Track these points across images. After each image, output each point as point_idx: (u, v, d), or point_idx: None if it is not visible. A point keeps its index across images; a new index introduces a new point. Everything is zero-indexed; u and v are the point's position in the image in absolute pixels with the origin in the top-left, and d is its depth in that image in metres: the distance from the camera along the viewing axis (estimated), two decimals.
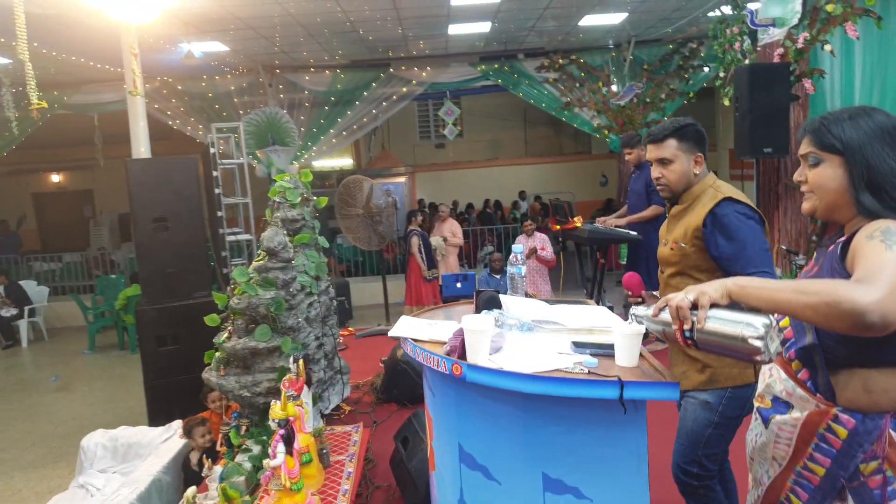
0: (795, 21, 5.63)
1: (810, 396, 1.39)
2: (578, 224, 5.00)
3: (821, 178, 1.43)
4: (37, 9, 5.81)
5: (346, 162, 15.16)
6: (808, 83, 5.75)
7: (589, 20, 8.22)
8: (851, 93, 7.66)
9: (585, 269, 6.03)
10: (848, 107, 1.48)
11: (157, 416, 4.66)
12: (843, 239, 1.38)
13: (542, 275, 6.49)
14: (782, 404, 1.47)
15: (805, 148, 1.48)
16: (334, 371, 4.47)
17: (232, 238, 7.41)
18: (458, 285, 6.29)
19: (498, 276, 6.60)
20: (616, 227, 5.01)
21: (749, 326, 1.27)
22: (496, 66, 9.71)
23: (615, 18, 8.25)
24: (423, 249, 7.25)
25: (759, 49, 6.35)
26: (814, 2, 5.55)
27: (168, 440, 4.15)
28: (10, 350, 8.87)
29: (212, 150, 7.41)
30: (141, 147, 6.38)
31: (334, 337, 4.51)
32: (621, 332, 1.70)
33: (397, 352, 4.62)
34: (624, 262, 6.79)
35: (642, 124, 9.53)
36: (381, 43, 8.96)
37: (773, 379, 1.49)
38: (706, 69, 9.49)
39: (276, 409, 2.93)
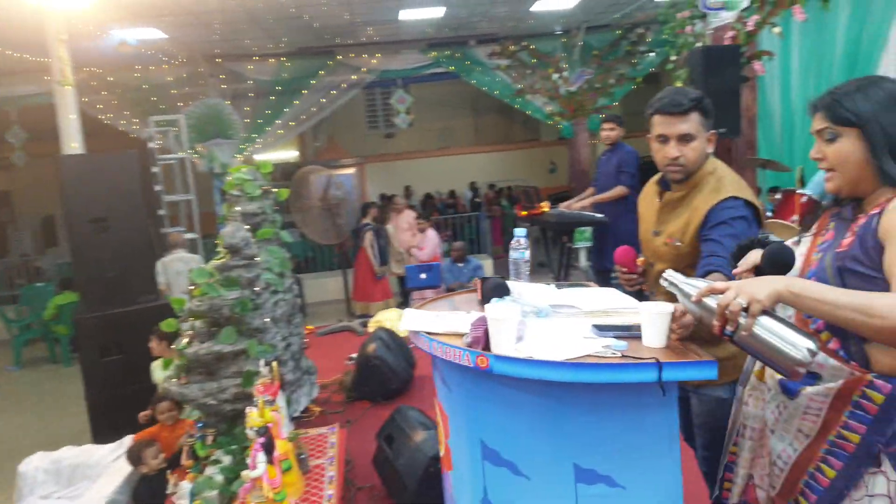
0: (746, 4, 5.69)
1: (844, 365, 1.37)
2: (545, 209, 4.92)
3: (841, 153, 1.42)
4: None
5: (290, 154, 14.75)
6: (758, 65, 5.83)
7: (541, 6, 8.16)
8: (789, 74, 7.89)
9: (552, 253, 5.98)
10: (854, 78, 1.45)
11: (104, 433, 4.30)
12: (875, 211, 1.38)
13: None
14: (809, 376, 1.43)
15: (819, 124, 1.46)
16: (302, 372, 4.25)
17: None
18: (423, 276, 6.14)
19: (461, 265, 6.48)
20: (581, 209, 4.96)
21: (794, 348, 1.27)
22: (448, 52, 9.56)
23: (567, 3, 8.22)
24: (375, 245, 7.02)
25: (710, 32, 6.40)
26: None
27: (119, 458, 3.82)
28: None
29: (150, 145, 7.00)
30: (72, 142, 5.95)
31: (300, 336, 4.29)
32: (651, 311, 1.59)
33: (368, 348, 4.45)
34: (578, 246, 6.78)
35: (592, 110, 9.58)
36: (327, 29, 8.67)
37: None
38: (653, 54, 9.60)
39: (254, 416, 2.73)
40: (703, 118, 1.93)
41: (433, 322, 1.79)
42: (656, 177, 2.13)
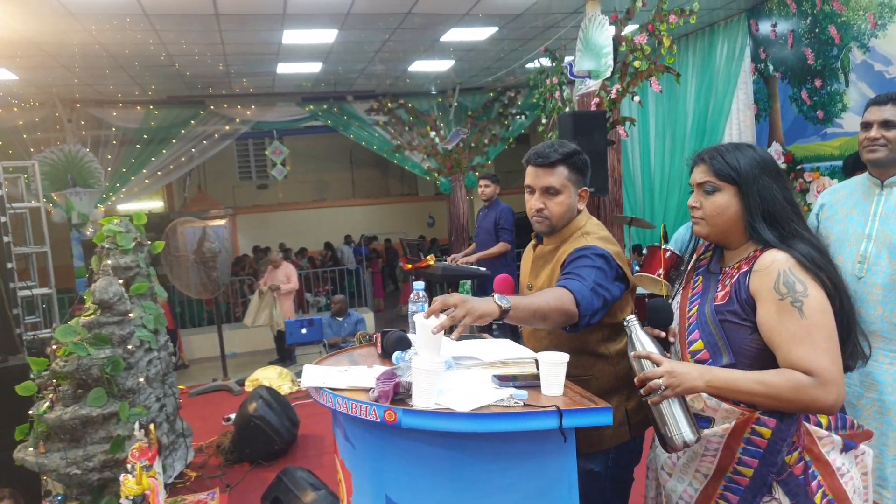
0: (608, 73, 6.25)
1: (734, 407, 1.50)
2: (431, 262, 5.03)
3: (718, 205, 1.56)
4: None
5: (155, 205, 14.00)
6: (621, 130, 6.37)
7: (418, 66, 8.47)
8: (647, 139, 8.70)
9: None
10: (729, 143, 1.62)
11: None
12: (745, 268, 1.53)
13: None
14: (703, 420, 1.56)
15: (702, 176, 1.60)
16: (176, 434, 3.98)
17: (26, 293, 6.40)
18: (304, 331, 5.99)
19: (341, 319, 6.40)
20: (466, 264, 5.12)
21: (680, 434, 1.49)
22: (325, 106, 9.62)
23: (442, 66, 8.59)
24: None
25: (577, 98, 6.94)
26: (623, 57, 6.20)
27: None
28: None
29: None
30: None
31: (175, 396, 4.03)
32: (548, 361, 1.68)
33: (248, 407, 4.24)
34: None
35: (468, 167, 9.96)
36: (200, 79, 8.46)
37: (690, 399, 1.57)
38: (523, 116, 10.20)
39: (129, 484, 2.52)
40: (571, 173, 1.93)
41: (336, 377, 1.77)
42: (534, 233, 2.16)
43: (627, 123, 6.37)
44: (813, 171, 6.68)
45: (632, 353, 1.56)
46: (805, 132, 6.68)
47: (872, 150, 2.19)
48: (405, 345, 1.95)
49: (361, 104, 9.77)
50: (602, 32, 6.23)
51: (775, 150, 7.05)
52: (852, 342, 1.50)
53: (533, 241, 2.15)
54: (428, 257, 5.05)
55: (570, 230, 1.96)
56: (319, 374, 1.79)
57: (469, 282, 6.54)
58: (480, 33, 7.33)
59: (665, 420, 1.50)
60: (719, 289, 1.58)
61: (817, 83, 6.46)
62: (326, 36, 6.91)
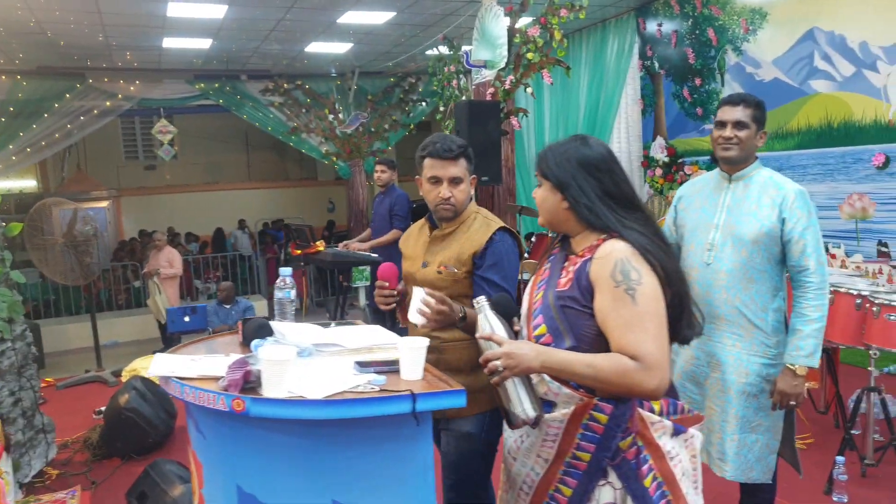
0: (503, 64, 6.33)
1: (574, 392, 1.55)
2: (321, 248, 4.93)
3: (539, 198, 1.68)
4: None
5: (27, 184, 12.97)
6: (514, 120, 6.49)
7: (315, 47, 8.26)
8: (542, 130, 8.92)
9: (323, 293, 5.96)
10: (563, 141, 1.69)
11: None
12: (588, 256, 1.59)
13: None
14: (546, 404, 1.60)
15: (536, 171, 1.71)
16: (35, 430, 3.69)
17: None
18: (187, 319, 5.72)
19: (228, 307, 6.17)
20: (359, 251, 5.06)
21: (523, 410, 1.54)
22: (217, 85, 9.20)
23: (340, 48, 8.43)
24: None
25: (474, 87, 7.00)
26: (517, 49, 6.30)
27: None
28: None
29: None
30: None
31: (34, 390, 3.74)
32: (406, 346, 1.68)
33: (119, 399, 4.01)
34: (356, 285, 6.89)
35: (368, 152, 9.85)
36: (76, 50, 7.87)
37: (535, 382, 1.61)
38: (424, 103, 10.19)
39: None
40: (468, 163, 2.12)
41: (187, 366, 1.69)
42: (421, 220, 2.28)
43: (521, 114, 6.50)
44: (692, 165, 7.08)
45: (477, 335, 1.59)
46: (686, 128, 7.07)
47: (727, 148, 2.33)
48: (266, 332, 1.89)
49: (256, 84, 9.43)
50: (497, 23, 6.30)
51: (659, 143, 7.42)
52: (686, 316, 1.58)
53: (425, 227, 2.24)
54: (317, 243, 4.95)
55: (467, 214, 2.15)
56: (169, 364, 1.70)
57: (368, 268, 6.48)
58: (378, 17, 7.23)
59: (508, 398, 1.54)
60: (563, 275, 1.63)
61: (697, 82, 6.84)
62: (215, 11, 6.60)
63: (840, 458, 3.07)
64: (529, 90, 6.37)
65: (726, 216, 2.34)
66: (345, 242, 5.27)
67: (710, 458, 2.38)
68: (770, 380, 2.29)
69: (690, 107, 6.96)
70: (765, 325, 2.29)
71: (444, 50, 7.53)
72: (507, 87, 6.39)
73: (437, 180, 2.09)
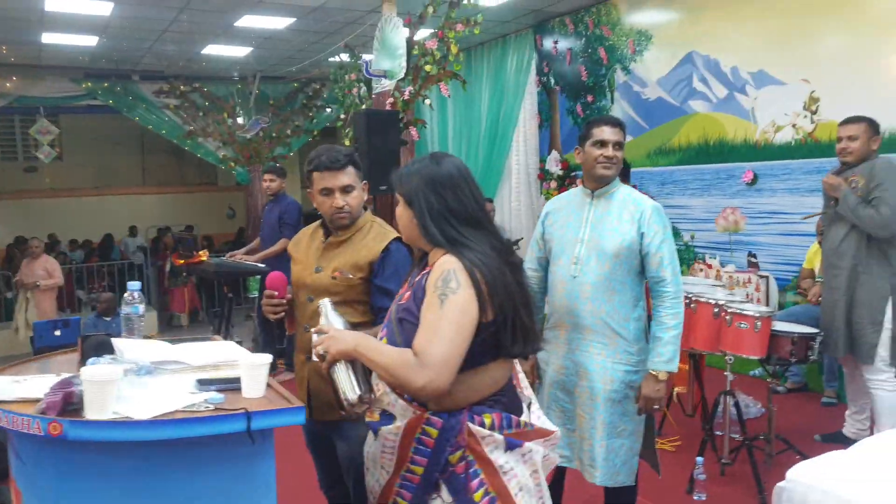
0: (402, 75, 6.36)
1: (408, 405, 1.57)
2: (204, 258, 4.76)
3: (398, 213, 1.71)
4: None
5: None
6: (413, 131, 6.52)
7: (213, 49, 8.01)
8: (446, 142, 9.02)
9: (212, 305, 5.76)
10: (417, 159, 1.75)
11: None
12: (426, 271, 1.63)
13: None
14: (388, 416, 1.62)
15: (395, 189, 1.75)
16: None
17: None
18: (58, 333, 5.37)
19: (108, 319, 5.85)
20: (247, 262, 4.92)
21: (345, 393, 1.58)
22: (106, 84, 8.74)
23: (239, 51, 8.21)
24: None
25: (374, 96, 6.99)
26: (416, 60, 6.34)
27: None
28: None
29: None
30: None
31: None
32: (247, 364, 1.65)
33: None
34: (254, 295, 6.71)
35: (269, 158, 9.64)
36: None
37: (381, 393, 1.64)
38: (328, 110, 10.08)
39: None
40: (356, 171, 2.18)
41: (8, 388, 1.58)
42: (313, 224, 2.32)
43: (420, 125, 6.54)
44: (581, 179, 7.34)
45: (312, 329, 1.66)
46: None
47: (608, 167, 2.46)
48: (105, 350, 1.81)
49: (149, 85, 9.04)
50: (397, 34, 6.33)
51: (554, 157, 7.65)
52: (516, 333, 1.60)
53: (318, 233, 2.26)
54: (200, 252, 4.78)
55: (363, 221, 2.20)
56: None
57: (260, 277, 6.31)
58: (278, 22, 7.10)
59: (336, 385, 1.58)
60: (406, 290, 1.68)
61: (589, 98, 7.11)
62: (100, 7, 6.28)
63: (699, 459, 3.25)
64: (428, 101, 6.42)
65: (590, 231, 2.46)
66: (231, 253, 5.12)
67: (581, 465, 2.46)
68: (633, 386, 2.41)
69: (583, 122, 7.22)
70: (627, 334, 2.41)
71: (345, 58, 7.49)
72: (405, 97, 6.42)
73: (328, 191, 2.13)
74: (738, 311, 3.18)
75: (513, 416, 1.62)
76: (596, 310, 2.39)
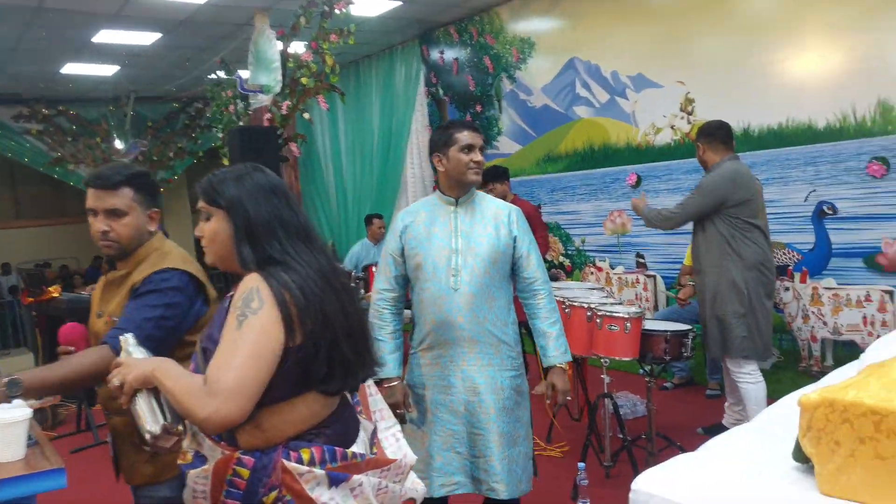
0: (278, 89, 6.09)
1: (215, 445, 1.42)
2: (55, 294, 4.30)
3: (211, 231, 1.51)
4: None
5: None
6: (293, 146, 6.25)
7: (73, 69, 7.44)
8: (339, 155, 8.76)
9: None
10: (234, 167, 1.58)
11: None
12: (230, 294, 1.47)
13: None
14: (200, 458, 1.47)
15: (200, 204, 1.55)
16: None
17: None
18: None
19: None
20: None
21: (145, 426, 1.37)
22: None
23: (105, 70, 7.68)
24: None
25: (251, 112, 6.67)
26: (292, 74, 6.09)
27: None
28: None
29: None
30: None
31: None
32: None
33: None
34: None
35: None
36: None
37: (186, 443, 1.48)
38: (214, 129, 9.62)
39: None
40: (137, 194, 1.92)
41: None
42: None
43: (300, 141, 6.28)
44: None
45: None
46: None
47: (478, 172, 2.34)
48: None
49: (6, 109, 8.32)
50: (270, 47, 6.07)
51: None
52: (334, 366, 1.45)
53: (105, 266, 1.93)
54: (51, 288, 4.32)
55: (144, 252, 1.93)
56: None
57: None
58: (142, 37, 6.66)
59: (136, 419, 1.40)
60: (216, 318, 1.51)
61: (478, 108, 7.06)
62: None
63: (581, 465, 3.16)
64: (307, 115, 6.17)
65: (463, 241, 2.34)
66: (90, 287, 4.67)
67: (479, 485, 2.32)
68: (520, 390, 2.38)
69: None
70: (509, 339, 2.35)
71: (223, 74, 7.14)
72: (283, 112, 6.15)
73: (93, 213, 1.90)
74: (608, 313, 3.13)
75: (338, 448, 1.45)
76: (480, 320, 2.30)
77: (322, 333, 1.41)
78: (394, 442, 1.63)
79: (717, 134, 3.57)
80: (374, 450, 1.58)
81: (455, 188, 2.37)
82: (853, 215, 4.18)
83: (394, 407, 2.37)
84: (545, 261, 6.32)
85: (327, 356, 1.42)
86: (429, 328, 2.36)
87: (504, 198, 4.94)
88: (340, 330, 1.45)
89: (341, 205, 8.76)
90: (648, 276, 5.51)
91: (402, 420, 2.42)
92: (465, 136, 2.31)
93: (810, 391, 1.38)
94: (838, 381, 1.40)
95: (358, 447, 1.51)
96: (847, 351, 4.17)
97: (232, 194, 1.48)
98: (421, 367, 2.40)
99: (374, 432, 1.61)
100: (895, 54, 3.96)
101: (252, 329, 1.33)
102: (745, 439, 1.77)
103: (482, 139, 2.37)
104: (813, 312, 4.29)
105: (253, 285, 1.38)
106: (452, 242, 2.33)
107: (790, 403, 1.85)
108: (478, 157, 2.32)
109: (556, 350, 2.37)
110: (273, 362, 1.34)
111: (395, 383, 2.38)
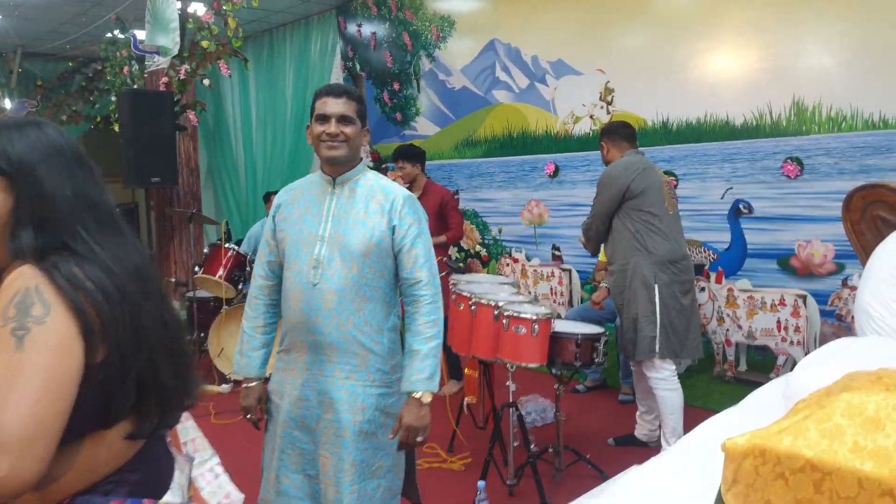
0: (176, 52, 5.55)
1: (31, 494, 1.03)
2: None
3: None
4: None
5: None
6: (192, 115, 5.72)
7: None
8: (250, 127, 8.22)
9: None
10: (13, 117, 1.17)
11: None
12: None
13: None
14: None
15: None
16: None
17: None
18: None
19: None
20: None
21: None
22: None
23: None
24: None
25: (146, 75, 6.07)
26: (192, 35, 5.55)
27: None
28: None
29: None
30: None
31: None
32: None
33: None
34: None
35: None
36: None
37: None
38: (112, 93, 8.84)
39: None
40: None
41: None
42: None
43: (199, 109, 5.76)
44: (394, 171, 6.93)
45: None
46: (388, 132, 6.89)
47: (333, 146, 1.95)
48: None
49: None
50: (168, 6, 5.51)
51: (364, 148, 7.16)
52: (151, 395, 1.12)
53: None
54: None
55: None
56: None
57: None
58: None
59: None
60: None
61: (396, 86, 6.69)
62: None
63: (481, 484, 2.89)
64: (207, 82, 5.65)
65: (332, 227, 1.97)
66: None
67: None
68: (389, 412, 1.97)
69: (391, 111, 6.81)
70: (381, 349, 1.97)
71: (118, 33, 6.48)
72: (182, 77, 5.61)
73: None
74: (515, 313, 2.84)
75: (144, 500, 1.12)
76: (342, 323, 1.92)
77: (133, 349, 1.06)
78: (212, 479, 1.32)
79: (620, 132, 3.45)
80: (190, 494, 1.25)
81: (326, 166, 2.02)
82: (769, 215, 4.10)
83: (245, 411, 2.06)
84: (460, 249, 6.16)
85: (137, 381, 1.08)
86: (287, 327, 2.03)
87: (414, 181, 4.63)
88: (159, 348, 1.12)
89: (250, 180, 8.23)
90: (564, 270, 5.34)
91: (255, 427, 2.09)
92: (321, 104, 1.95)
93: (736, 435, 1.11)
94: (768, 424, 1.12)
95: (173, 495, 1.17)
96: (760, 356, 4.10)
97: (20, 155, 1.08)
98: (277, 372, 2.07)
99: (191, 468, 1.28)
100: (810, 55, 3.87)
101: (38, 347, 0.96)
102: (657, 482, 1.51)
103: (349, 107, 1.94)
104: (728, 315, 4.20)
105: (28, 284, 1.00)
106: (320, 229, 1.98)
107: (710, 433, 1.62)
108: (332, 128, 1.92)
109: (415, 372, 1.90)
110: (73, 391, 0.99)
111: (254, 384, 2.05)
